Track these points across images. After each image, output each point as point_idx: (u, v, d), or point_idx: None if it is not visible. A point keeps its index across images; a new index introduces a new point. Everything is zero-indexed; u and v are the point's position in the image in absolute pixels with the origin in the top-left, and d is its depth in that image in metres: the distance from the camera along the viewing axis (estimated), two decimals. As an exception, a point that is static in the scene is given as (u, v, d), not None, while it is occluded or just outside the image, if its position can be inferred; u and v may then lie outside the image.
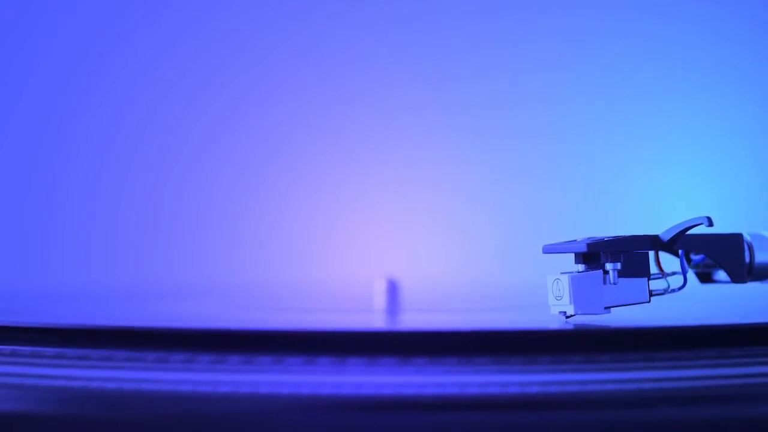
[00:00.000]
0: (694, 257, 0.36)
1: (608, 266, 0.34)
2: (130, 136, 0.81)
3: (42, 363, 0.30)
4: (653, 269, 0.34)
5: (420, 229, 0.80)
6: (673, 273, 0.35)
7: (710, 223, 0.34)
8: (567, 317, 0.34)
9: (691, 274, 0.36)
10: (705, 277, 0.37)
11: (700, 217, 0.34)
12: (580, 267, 0.34)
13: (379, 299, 0.48)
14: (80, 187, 0.81)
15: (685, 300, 0.38)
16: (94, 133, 0.81)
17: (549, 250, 0.35)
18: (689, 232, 0.34)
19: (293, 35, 0.81)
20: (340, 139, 0.80)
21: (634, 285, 0.34)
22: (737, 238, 0.35)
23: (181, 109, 0.81)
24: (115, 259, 0.80)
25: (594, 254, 0.34)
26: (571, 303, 0.33)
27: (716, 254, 0.35)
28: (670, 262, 0.35)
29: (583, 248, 0.33)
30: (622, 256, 0.34)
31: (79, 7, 0.81)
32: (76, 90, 0.81)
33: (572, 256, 0.34)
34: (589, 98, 0.80)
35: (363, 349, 0.29)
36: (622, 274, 0.34)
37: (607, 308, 0.34)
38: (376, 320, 0.42)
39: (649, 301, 0.34)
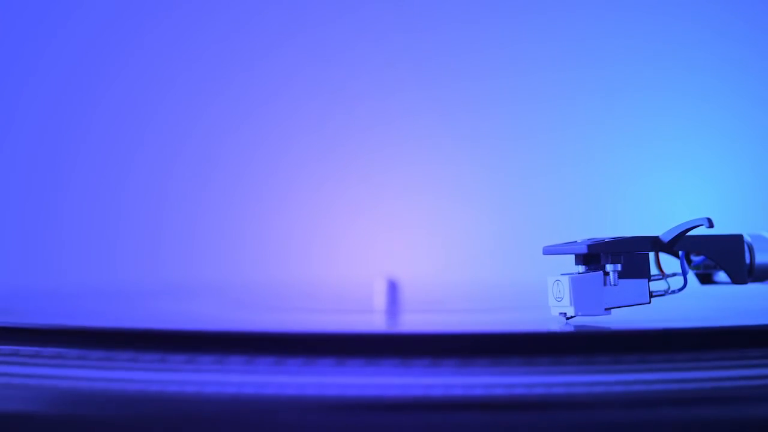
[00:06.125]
0: (695, 258, 0.36)
1: (609, 267, 0.33)
2: (130, 136, 0.81)
3: (42, 363, 0.30)
4: (654, 270, 0.34)
5: (420, 229, 0.80)
6: (674, 274, 0.35)
7: (710, 225, 0.33)
8: (567, 318, 0.34)
9: (691, 275, 0.36)
10: (705, 278, 0.37)
11: (700, 219, 0.34)
12: (581, 268, 0.34)
13: (379, 299, 0.48)
14: (80, 187, 0.81)
15: (686, 301, 0.38)
16: (94, 133, 0.81)
17: (549, 251, 0.35)
18: (690, 233, 0.34)
19: (293, 35, 0.81)
20: (340, 140, 0.80)
21: (634, 286, 0.34)
22: (737, 239, 0.35)
23: (182, 109, 0.81)
24: (115, 258, 0.80)
25: (594, 255, 0.34)
26: (571, 304, 0.33)
27: (717, 255, 0.35)
28: (670, 263, 0.35)
29: (584, 249, 0.33)
30: (622, 257, 0.34)
31: (79, 7, 0.81)
32: (76, 90, 0.81)
33: (572, 256, 0.34)
34: (589, 98, 0.80)
35: (362, 351, 0.29)
36: (622, 275, 0.34)
37: (608, 309, 0.34)
38: (376, 321, 0.42)
39: (650, 302, 0.34)
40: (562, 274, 0.34)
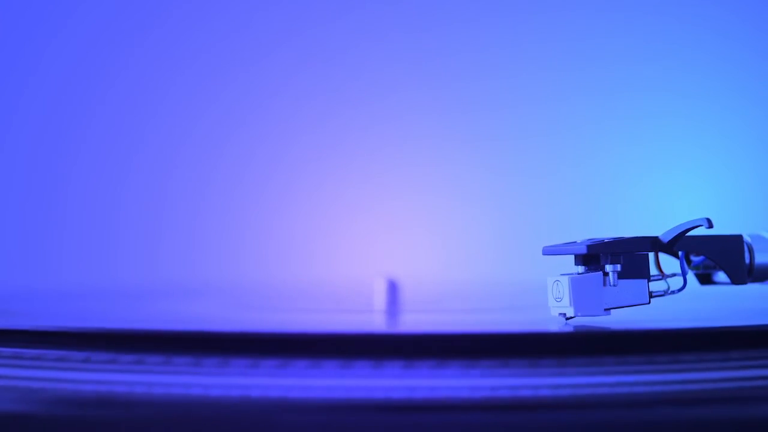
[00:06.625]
0: (694, 258, 0.36)
1: (608, 268, 0.33)
2: (130, 136, 0.81)
3: (43, 365, 0.30)
4: (653, 271, 0.34)
5: (420, 229, 0.80)
6: (673, 274, 0.35)
7: (710, 225, 0.33)
8: (567, 319, 0.34)
9: (691, 276, 0.36)
10: (705, 279, 0.37)
11: (700, 219, 0.34)
12: (580, 268, 0.34)
13: (379, 298, 0.48)
14: (81, 186, 0.81)
15: (685, 301, 0.38)
16: (94, 132, 0.81)
17: (549, 251, 0.35)
18: (689, 233, 0.34)
19: (293, 35, 0.81)
20: (340, 140, 0.80)
21: (634, 286, 0.34)
22: (737, 239, 0.35)
23: (182, 109, 0.81)
24: (115, 258, 0.80)
25: (594, 256, 0.34)
26: (571, 305, 0.33)
27: (716, 255, 0.35)
28: (670, 263, 0.35)
29: (583, 250, 0.33)
30: (622, 257, 0.34)
31: (80, 7, 0.81)
32: (76, 90, 0.81)
33: (572, 257, 0.34)
34: (588, 98, 0.80)
35: (363, 352, 0.29)
36: (622, 275, 0.34)
37: (607, 310, 0.34)
38: (376, 322, 0.42)
39: (649, 303, 0.34)
40: (561, 275, 0.34)
